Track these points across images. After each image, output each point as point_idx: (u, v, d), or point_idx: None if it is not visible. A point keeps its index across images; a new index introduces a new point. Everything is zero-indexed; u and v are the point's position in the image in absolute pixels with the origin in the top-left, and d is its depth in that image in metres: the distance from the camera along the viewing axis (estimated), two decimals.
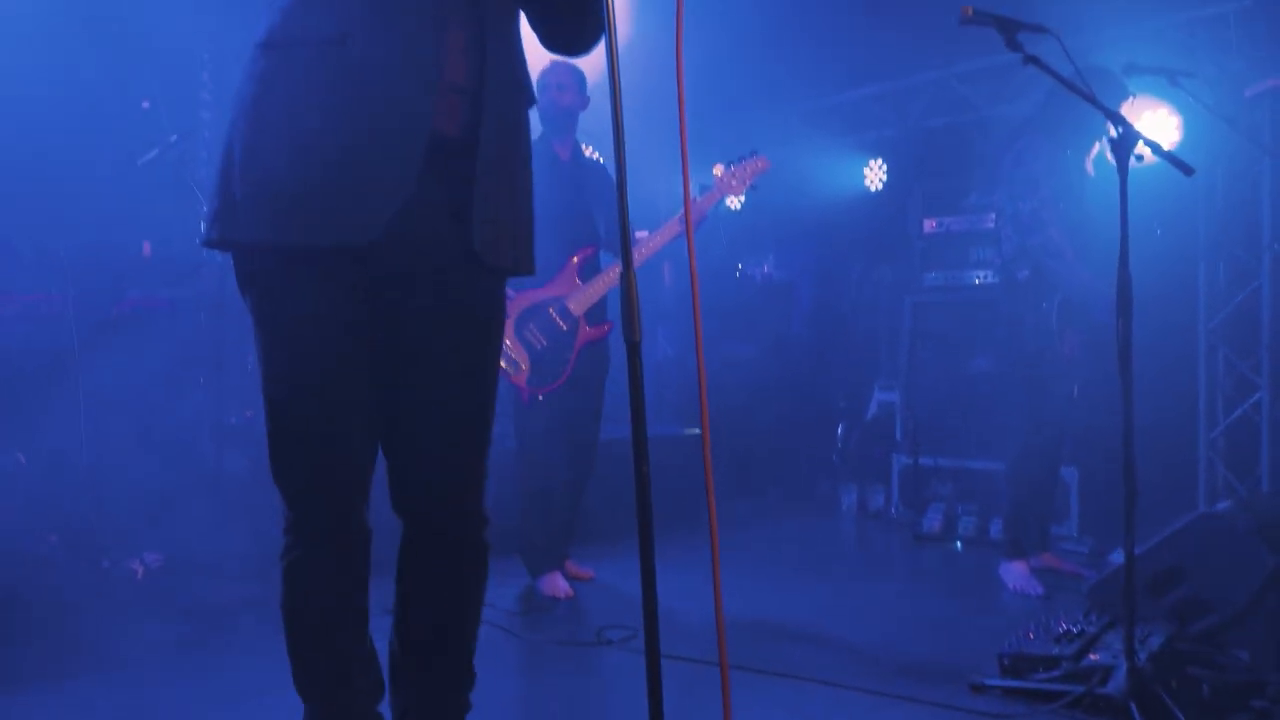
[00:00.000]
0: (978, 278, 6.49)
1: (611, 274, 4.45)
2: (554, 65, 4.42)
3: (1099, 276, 4.61)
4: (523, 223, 1.95)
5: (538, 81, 4.30)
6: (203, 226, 2.12)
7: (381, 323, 1.85)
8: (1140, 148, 3.13)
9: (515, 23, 1.93)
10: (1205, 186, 5.80)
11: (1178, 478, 5.78)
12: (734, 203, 8.31)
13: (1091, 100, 3.16)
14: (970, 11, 3.34)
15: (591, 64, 5.36)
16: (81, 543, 4.00)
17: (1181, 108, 5.73)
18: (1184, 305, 5.89)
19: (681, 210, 4.37)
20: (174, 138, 4.78)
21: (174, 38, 6.62)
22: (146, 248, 4.83)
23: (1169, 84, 4.40)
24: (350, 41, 1.65)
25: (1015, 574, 4.70)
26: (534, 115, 2.17)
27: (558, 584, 4.45)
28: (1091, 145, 4.94)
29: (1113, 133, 3.09)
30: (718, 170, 4.49)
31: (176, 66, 6.63)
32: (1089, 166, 5.04)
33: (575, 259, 4.41)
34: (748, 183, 4.41)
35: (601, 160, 5.21)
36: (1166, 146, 3.87)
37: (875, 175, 7.77)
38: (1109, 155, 5.52)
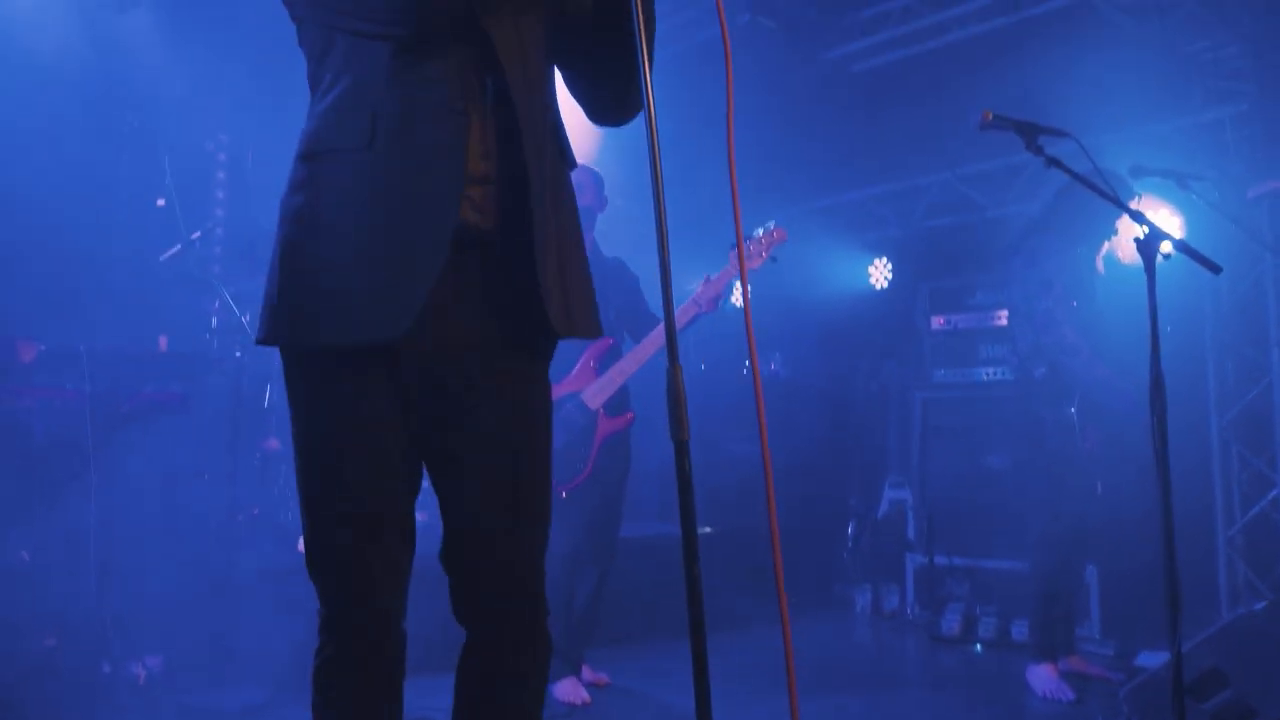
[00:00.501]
0: (987, 374, 6.51)
1: (627, 363, 4.43)
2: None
3: (1116, 373, 4.62)
4: (582, 289, 1.94)
5: None
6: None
7: (430, 417, 1.83)
8: (1165, 246, 3.14)
9: (551, 100, 1.93)
10: (1210, 285, 5.88)
11: (1198, 576, 5.69)
12: (737, 296, 8.37)
13: (1116, 201, 3.22)
14: (990, 116, 3.42)
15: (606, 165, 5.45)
16: (83, 644, 3.87)
17: (1183, 208, 5.84)
18: (1194, 403, 5.91)
19: (688, 300, 4.38)
20: (196, 234, 4.82)
21: (189, 135, 6.77)
22: (163, 342, 4.82)
23: (1178, 186, 4.50)
24: (377, 144, 1.69)
25: (1043, 678, 4.57)
26: None
27: (576, 690, 4.30)
28: (1102, 243, 5.02)
29: (1139, 232, 3.12)
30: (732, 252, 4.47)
31: (192, 164, 6.76)
32: (1099, 264, 5.11)
33: (591, 354, 4.40)
34: (765, 254, 4.35)
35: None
36: (1169, 247, 3.91)
37: (880, 274, 7.87)
38: (1118, 253, 5.64)
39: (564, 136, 1.96)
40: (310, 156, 1.77)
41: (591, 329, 1.93)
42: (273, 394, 5.88)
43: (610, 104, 2.00)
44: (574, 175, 4.45)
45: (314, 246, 1.72)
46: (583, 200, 4.44)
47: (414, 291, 1.67)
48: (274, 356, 5.64)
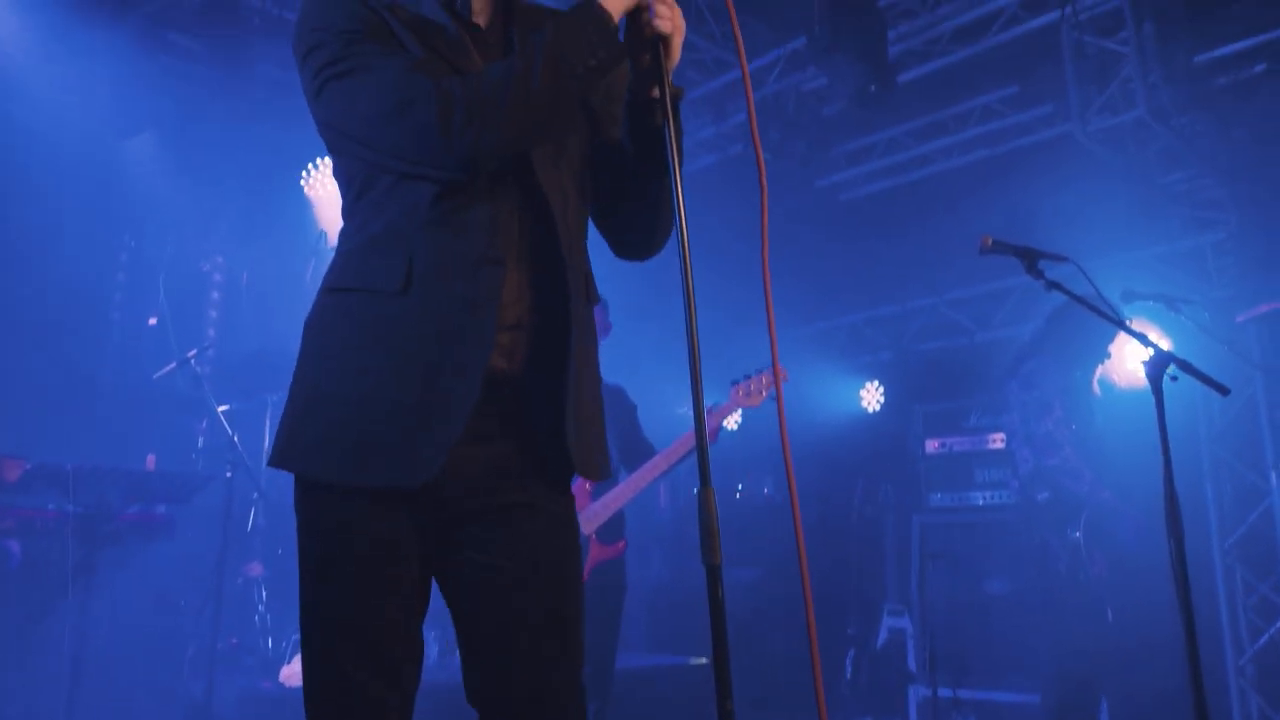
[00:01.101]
0: (984, 498, 6.44)
1: (623, 490, 4.36)
2: None
3: (1120, 497, 4.58)
4: (598, 429, 1.90)
5: None
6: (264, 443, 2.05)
7: (456, 552, 1.77)
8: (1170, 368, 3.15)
9: (586, 243, 1.94)
10: (1204, 406, 5.92)
11: (1210, 709, 5.50)
12: (731, 422, 8.35)
13: (1119, 324, 3.24)
14: (990, 241, 3.47)
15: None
16: None
17: (1171, 331, 5.92)
18: (1195, 526, 5.83)
19: (685, 433, 4.34)
20: (192, 353, 4.78)
21: (185, 256, 6.83)
22: (150, 461, 4.71)
23: (1168, 309, 4.56)
24: (411, 290, 1.67)
25: None
26: None
27: None
28: (1096, 366, 5.06)
29: (1144, 355, 3.13)
30: (735, 385, 4.49)
31: (187, 285, 6.79)
32: (1095, 387, 5.14)
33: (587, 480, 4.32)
34: (765, 393, 4.38)
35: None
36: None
37: (872, 397, 7.88)
38: (1113, 377, 5.68)
39: (591, 276, 1.96)
40: (342, 291, 1.75)
41: (604, 471, 1.89)
42: (258, 517, 5.73)
43: (637, 240, 1.99)
44: None
45: (340, 384, 1.69)
46: None
47: (440, 440, 1.64)
48: (265, 479, 5.56)
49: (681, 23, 1.71)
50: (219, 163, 6.47)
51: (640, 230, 1.95)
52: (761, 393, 4.38)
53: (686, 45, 6.83)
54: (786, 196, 7.32)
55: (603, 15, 1.64)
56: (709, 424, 4.28)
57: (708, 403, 4.61)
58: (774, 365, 1.67)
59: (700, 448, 1.56)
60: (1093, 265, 6.39)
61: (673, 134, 1.63)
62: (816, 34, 5.65)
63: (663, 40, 1.67)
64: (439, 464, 1.63)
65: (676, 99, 1.71)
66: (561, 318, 1.75)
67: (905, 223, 7.32)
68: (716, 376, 4.59)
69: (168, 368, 4.79)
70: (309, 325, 1.79)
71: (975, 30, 6.15)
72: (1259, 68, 5.53)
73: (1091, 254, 6.27)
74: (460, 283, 1.67)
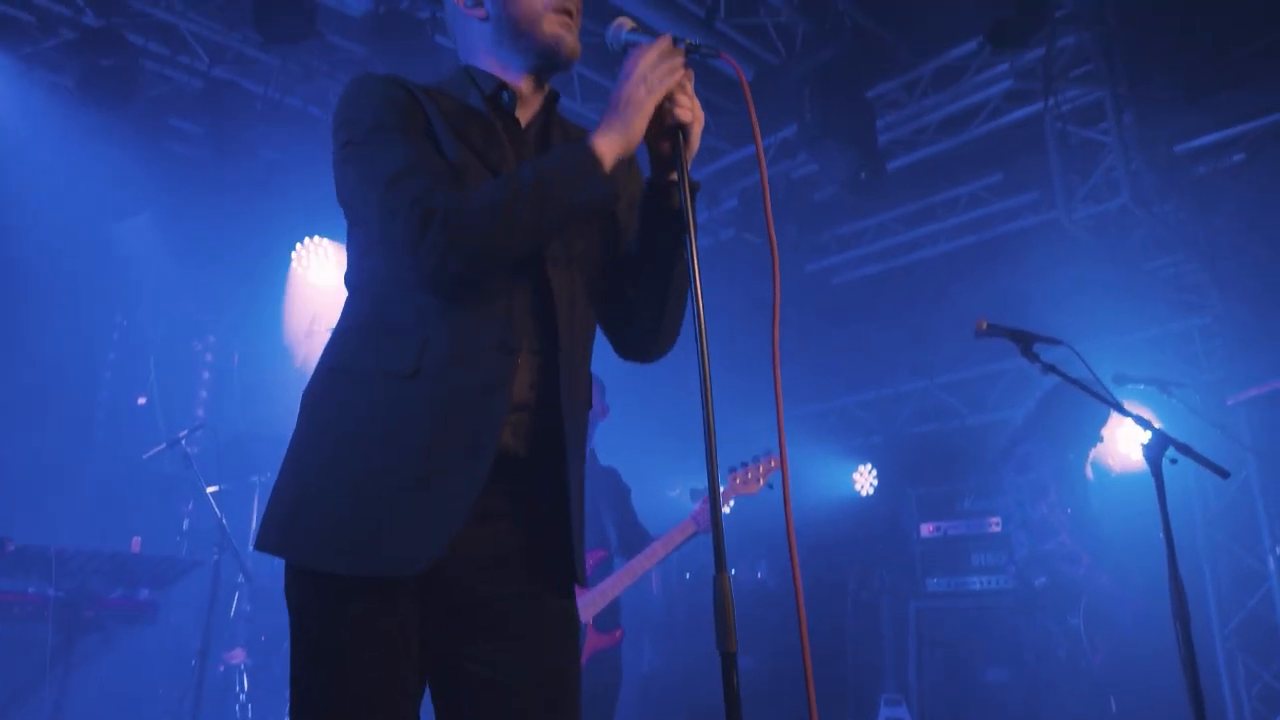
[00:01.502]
0: (981, 583, 6.35)
1: (621, 577, 4.28)
2: None
3: (1118, 582, 4.54)
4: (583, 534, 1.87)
5: None
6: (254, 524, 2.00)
7: (457, 639, 1.72)
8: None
9: (589, 336, 1.92)
10: (1198, 489, 5.91)
11: None
12: (724, 509, 8.26)
13: (1117, 406, 3.25)
14: (985, 325, 3.50)
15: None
16: None
17: (1163, 414, 5.94)
18: (1194, 610, 5.74)
19: (685, 519, 4.28)
20: (183, 434, 4.72)
21: (177, 336, 6.82)
22: (135, 543, 4.62)
23: (1160, 392, 4.58)
24: (421, 377, 1.65)
25: None
26: None
27: None
28: (1089, 450, 5.06)
29: (1143, 438, 3.13)
30: (733, 472, 4.46)
31: (177, 364, 6.76)
32: (1088, 470, 5.13)
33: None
34: (763, 481, 4.36)
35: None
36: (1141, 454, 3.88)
37: (865, 480, 7.84)
38: (1106, 460, 5.67)
39: (590, 379, 1.95)
40: (345, 372, 1.72)
41: (581, 576, 1.81)
42: (242, 602, 5.60)
43: (644, 338, 1.98)
44: None
45: (340, 469, 1.65)
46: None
47: (439, 531, 1.60)
48: (251, 563, 5.45)
49: (701, 113, 1.74)
50: (214, 242, 6.52)
51: (647, 327, 1.94)
52: (759, 480, 4.34)
53: None
54: (781, 281, 7.38)
55: (594, 159, 1.65)
56: (699, 510, 4.24)
57: (698, 486, 4.57)
58: (781, 450, 1.65)
59: (716, 532, 1.55)
60: (1083, 349, 6.45)
61: (691, 220, 1.63)
62: (808, 122, 5.79)
63: (682, 129, 1.70)
64: (438, 551, 1.60)
65: (694, 190, 1.73)
66: (558, 409, 1.74)
67: (896, 306, 7.40)
68: (699, 459, 4.54)
69: (157, 448, 4.73)
70: (309, 402, 1.75)
71: (961, 120, 6.32)
72: (1237, 157, 5.68)
73: (1081, 337, 6.31)
74: (473, 370, 1.66)
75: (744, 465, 4.44)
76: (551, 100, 1.95)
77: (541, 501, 1.74)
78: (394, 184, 1.64)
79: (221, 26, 5.72)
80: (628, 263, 1.90)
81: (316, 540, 1.63)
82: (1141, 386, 4.63)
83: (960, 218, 7.17)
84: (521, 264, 1.71)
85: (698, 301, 1.60)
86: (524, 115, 1.91)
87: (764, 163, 1.77)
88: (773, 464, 4.40)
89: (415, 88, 1.81)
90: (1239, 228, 5.57)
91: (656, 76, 1.67)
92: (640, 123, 1.68)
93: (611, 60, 1.87)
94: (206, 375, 6.86)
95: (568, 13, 1.85)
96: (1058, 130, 5.88)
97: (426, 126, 1.75)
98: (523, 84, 1.89)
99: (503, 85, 1.87)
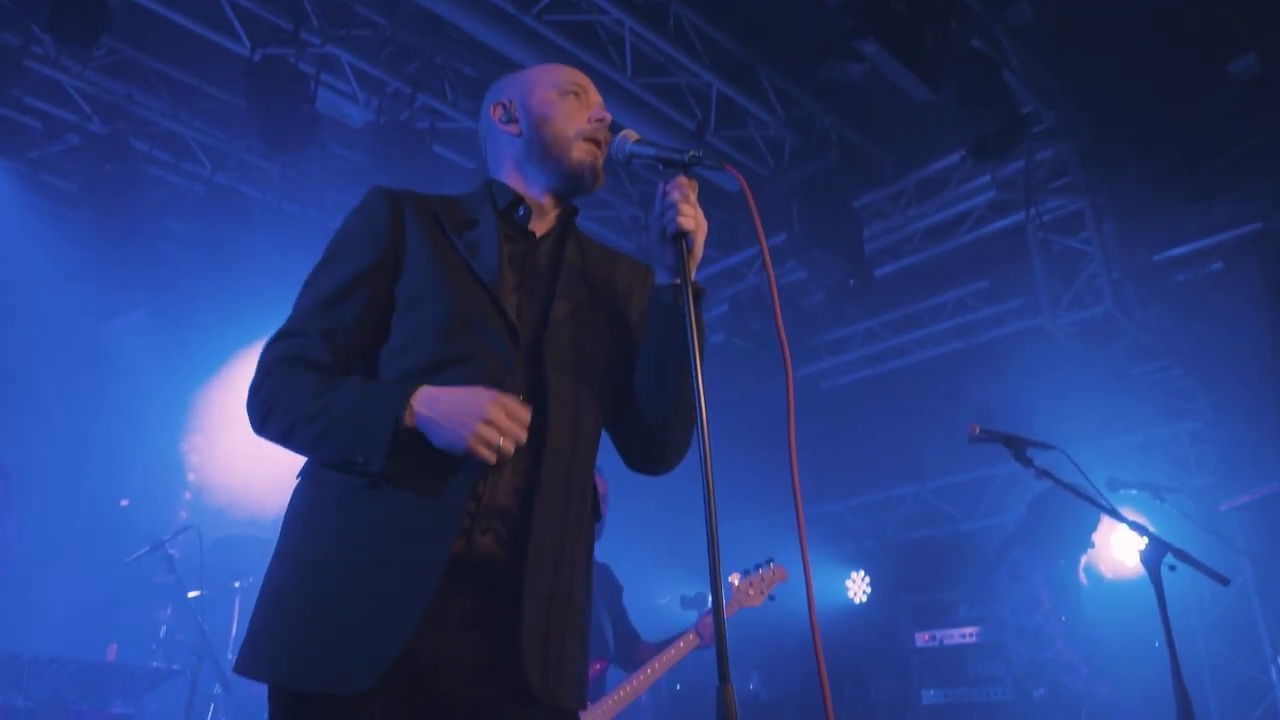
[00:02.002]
0: (979, 694, 6.19)
1: (620, 697, 4.08)
2: None
3: (1117, 691, 4.43)
4: (575, 651, 1.79)
5: None
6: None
7: None
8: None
9: (590, 451, 1.89)
10: (1194, 596, 5.84)
11: None
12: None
13: (1113, 513, 3.24)
14: (977, 430, 3.50)
15: None
16: None
17: (1156, 520, 5.91)
18: None
19: (689, 630, 4.14)
20: (168, 536, 4.64)
21: (164, 438, 6.76)
22: (111, 651, 4.48)
23: (1153, 497, 4.57)
24: (389, 481, 1.65)
25: None
26: None
27: None
28: (1081, 555, 5.01)
29: (1140, 544, 3.11)
30: (734, 579, 4.29)
31: (162, 465, 6.69)
32: (1081, 576, 5.07)
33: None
34: (765, 592, 4.17)
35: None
36: (1136, 561, 3.83)
37: (859, 587, 7.72)
38: (1099, 566, 5.61)
39: (596, 491, 1.93)
40: (314, 476, 1.75)
41: (568, 698, 1.75)
42: (216, 714, 5.40)
43: (651, 449, 1.96)
44: None
45: (301, 582, 1.66)
46: None
47: (386, 643, 1.58)
48: (228, 672, 5.26)
49: (704, 221, 1.77)
50: (203, 344, 6.53)
51: (655, 436, 1.92)
52: (763, 592, 4.17)
53: None
54: (767, 385, 7.42)
55: (384, 427, 1.63)
56: (709, 626, 4.06)
57: (688, 594, 4.44)
58: (804, 561, 1.61)
59: (719, 641, 1.51)
60: (1073, 454, 6.48)
61: (694, 326, 1.64)
62: (796, 232, 5.91)
63: (685, 237, 1.73)
64: (384, 666, 1.56)
65: (699, 296, 1.76)
66: (535, 515, 1.70)
67: (885, 411, 7.42)
68: (696, 568, 4.44)
69: (140, 551, 4.63)
70: (287, 514, 1.76)
71: (945, 229, 6.47)
72: (1215, 265, 5.81)
73: (1071, 443, 6.29)
74: (440, 475, 1.65)
75: (745, 574, 4.26)
76: (569, 215, 1.98)
77: (523, 612, 1.68)
78: (278, 336, 1.79)
79: (225, 135, 5.87)
80: (636, 369, 1.91)
81: (273, 657, 1.63)
82: (1134, 492, 4.62)
83: (947, 323, 7.26)
84: (502, 381, 1.71)
85: (700, 405, 1.61)
86: (539, 228, 1.93)
87: (770, 266, 1.79)
88: (775, 574, 4.22)
89: (414, 201, 1.86)
90: (1222, 334, 5.66)
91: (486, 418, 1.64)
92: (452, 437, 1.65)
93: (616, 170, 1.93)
94: (191, 477, 6.78)
95: (597, 143, 1.91)
96: (1040, 239, 6.03)
97: (398, 253, 1.80)
98: (544, 200, 1.93)
99: (520, 199, 1.91)
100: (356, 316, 1.77)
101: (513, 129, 1.96)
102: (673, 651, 4.08)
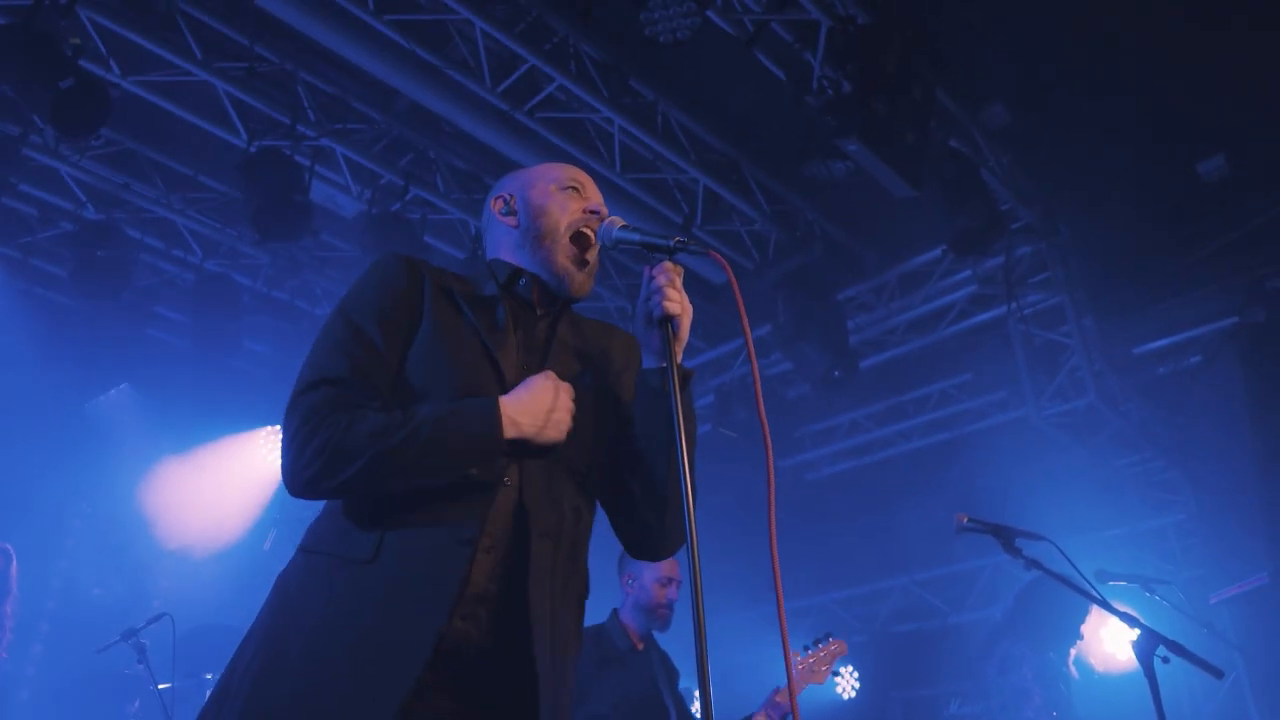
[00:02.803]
0: None
1: None
2: (672, 562, 4.02)
3: None
4: None
5: (640, 570, 3.92)
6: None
7: None
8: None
9: (581, 539, 1.87)
10: (1186, 691, 5.75)
11: None
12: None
13: (1105, 605, 3.21)
14: (965, 519, 3.49)
15: None
16: None
17: (1146, 612, 5.85)
18: None
19: (755, 714, 3.87)
20: (140, 626, 4.52)
21: (141, 525, 6.65)
22: None
23: (1143, 589, 4.54)
24: (378, 563, 1.64)
25: None
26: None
27: None
28: (1070, 647, 4.95)
29: (1131, 635, 3.08)
30: (795, 656, 3.99)
31: (140, 553, 6.56)
32: (1071, 669, 5.01)
33: None
34: (828, 668, 3.91)
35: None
36: (1127, 653, 3.77)
37: (848, 683, 7.57)
38: (1090, 659, 5.53)
39: (586, 574, 1.89)
40: (308, 550, 1.72)
41: None
42: None
43: (648, 535, 1.95)
44: (671, 569, 3.98)
45: (278, 661, 1.61)
46: (667, 593, 3.98)
47: None
48: None
49: (689, 306, 1.79)
50: (190, 431, 6.48)
51: (650, 522, 1.91)
52: (828, 666, 3.95)
53: None
54: (754, 475, 7.40)
55: (493, 434, 1.66)
56: (772, 703, 3.85)
57: (691, 686, 4.19)
58: (786, 659, 1.58)
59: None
60: (1062, 546, 6.45)
61: (679, 410, 1.65)
62: (781, 324, 5.99)
63: (671, 321, 1.75)
64: None
65: (686, 379, 1.77)
66: (526, 603, 1.67)
67: (872, 503, 7.40)
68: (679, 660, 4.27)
69: (111, 642, 4.50)
70: (280, 583, 1.73)
71: (928, 322, 6.56)
72: (1194, 359, 5.90)
73: (1059, 534, 6.29)
74: (424, 561, 1.64)
75: (806, 650, 4.01)
76: (566, 299, 2.00)
77: (507, 700, 1.65)
78: (310, 387, 1.71)
79: (218, 223, 5.94)
80: (624, 452, 1.90)
81: None
82: (1123, 584, 4.60)
83: (932, 415, 7.30)
84: (511, 454, 1.70)
85: (685, 489, 1.61)
86: (541, 305, 1.96)
87: (753, 350, 1.81)
88: (834, 649, 3.99)
89: (432, 271, 1.88)
90: (1204, 427, 5.71)
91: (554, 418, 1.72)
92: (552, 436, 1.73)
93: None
94: (168, 564, 6.65)
95: (587, 237, 1.94)
96: (1022, 332, 6.12)
97: (414, 312, 1.81)
98: (537, 284, 1.95)
99: (520, 273, 1.94)
100: (379, 363, 1.76)
101: (511, 221, 2.02)
102: None
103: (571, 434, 1.80)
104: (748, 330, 1.82)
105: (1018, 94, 5.34)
